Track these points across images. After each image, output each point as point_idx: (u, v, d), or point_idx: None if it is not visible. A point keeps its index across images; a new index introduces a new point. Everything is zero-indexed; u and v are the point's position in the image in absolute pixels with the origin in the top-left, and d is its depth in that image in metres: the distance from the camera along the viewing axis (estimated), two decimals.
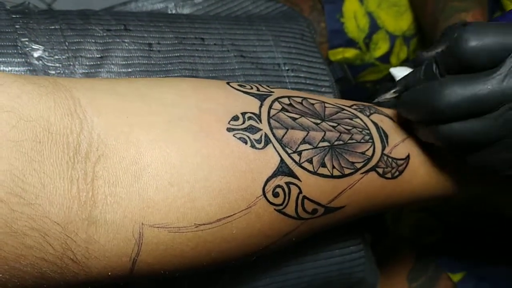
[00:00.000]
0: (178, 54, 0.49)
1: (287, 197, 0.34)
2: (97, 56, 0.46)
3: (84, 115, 0.30)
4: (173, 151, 0.31)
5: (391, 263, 0.69)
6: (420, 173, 0.41)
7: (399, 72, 0.56)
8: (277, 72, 0.52)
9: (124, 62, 0.47)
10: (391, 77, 0.58)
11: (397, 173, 0.40)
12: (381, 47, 0.83)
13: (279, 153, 0.34)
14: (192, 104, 0.34)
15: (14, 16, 0.44)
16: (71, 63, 0.45)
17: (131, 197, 0.29)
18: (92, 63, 0.45)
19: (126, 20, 0.48)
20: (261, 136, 0.34)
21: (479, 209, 0.66)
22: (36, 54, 0.43)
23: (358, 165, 0.38)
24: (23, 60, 0.42)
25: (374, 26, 0.82)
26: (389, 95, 0.42)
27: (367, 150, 0.38)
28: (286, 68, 0.52)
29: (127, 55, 0.47)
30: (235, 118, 0.34)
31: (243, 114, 0.35)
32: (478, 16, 0.63)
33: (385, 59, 0.84)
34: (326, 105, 0.40)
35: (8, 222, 0.26)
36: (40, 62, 0.43)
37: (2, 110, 0.27)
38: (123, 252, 0.30)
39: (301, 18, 0.57)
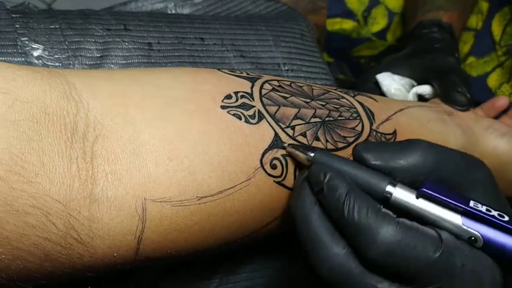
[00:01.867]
0: (178, 54, 0.49)
1: (285, 169, 0.35)
2: (97, 55, 0.46)
3: (80, 98, 0.30)
4: (170, 128, 0.32)
5: None
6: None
7: (385, 80, 0.57)
8: (276, 72, 0.52)
9: (124, 62, 0.47)
10: (376, 83, 0.59)
11: None
12: (379, 22, 0.83)
13: (273, 128, 0.35)
14: (186, 87, 0.35)
15: (14, 15, 0.43)
16: (71, 62, 0.44)
17: (132, 174, 0.29)
18: (92, 62, 0.45)
19: (126, 20, 0.48)
20: (254, 112, 0.35)
21: None
22: (36, 54, 0.43)
23: (350, 140, 0.38)
24: (23, 59, 0.42)
25: (375, 0, 0.82)
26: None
27: (356, 126, 0.40)
28: (286, 68, 0.53)
29: (127, 54, 0.47)
30: (228, 96, 0.35)
31: (236, 93, 0.36)
32: (453, 18, 0.65)
33: (382, 35, 0.83)
34: (314, 87, 0.41)
35: (8, 200, 0.26)
36: (40, 61, 0.43)
37: None
38: (127, 230, 0.30)
39: (301, 18, 0.57)
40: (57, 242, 0.28)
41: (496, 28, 0.73)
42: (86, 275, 0.31)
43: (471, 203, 0.31)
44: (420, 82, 0.58)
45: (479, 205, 0.31)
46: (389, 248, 0.29)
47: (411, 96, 0.56)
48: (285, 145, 0.35)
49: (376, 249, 0.29)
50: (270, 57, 0.52)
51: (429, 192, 0.31)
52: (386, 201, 0.32)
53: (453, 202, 0.30)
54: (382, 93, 0.57)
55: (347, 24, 0.83)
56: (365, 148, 0.34)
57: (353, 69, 0.86)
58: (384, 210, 0.30)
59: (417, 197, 0.31)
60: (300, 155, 0.34)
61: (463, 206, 0.30)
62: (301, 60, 0.54)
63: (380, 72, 0.58)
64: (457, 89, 0.52)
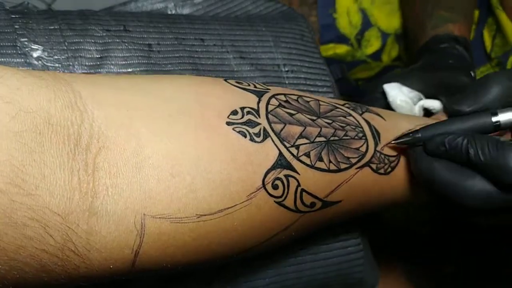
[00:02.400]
0: (177, 55, 0.49)
1: (286, 190, 0.35)
2: (97, 56, 0.45)
3: (85, 107, 0.30)
4: (174, 144, 0.31)
5: (385, 251, 0.70)
6: (410, 171, 0.43)
7: (392, 90, 0.56)
8: (276, 73, 0.52)
9: (123, 62, 0.46)
10: (383, 93, 0.58)
11: (389, 169, 0.42)
12: (373, 44, 0.83)
13: (277, 147, 0.35)
14: (191, 98, 0.34)
15: (13, 16, 0.43)
16: (71, 63, 0.44)
17: (133, 188, 0.29)
18: (91, 63, 0.45)
19: (126, 21, 0.48)
20: (260, 130, 0.35)
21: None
22: (35, 54, 0.43)
23: (353, 160, 0.39)
24: (23, 60, 0.42)
25: (367, 23, 0.82)
26: (406, 138, 0.42)
27: (361, 146, 0.40)
28: (286, 69, 0.53)
29: (126, 55, 0.47)
30: (234, 112, 0.35)
31: (242, 109, 0.35)
32: (463, 28, 0.65)
33: (377, 56, 0.84)
34: (321, 103, 0.41)
35: (7, 212, 0.25)
36: (40, 62, 0.43)
37: (2, 101, 0.27)
38: (125, 244, 0.29)
39: (301, 19, 0.57)
40: (54, 254, 0.28)
41: (487, 39, 0.73)
42: (81, 285, 0.31)
43: None
44: (429, 97, 0.57)
45: None
46: None
47: (417, 109, 0.56)
48: (393, 142, 0.41)
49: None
50: (270, 58, 0.52)
51: None
52: (499, 128, 0.39)
53: None
54: (387, 103, 0.57)
55: (341, 49, 0.83)
56: (454, 102, 0.40)
57: (351, 92, 0.85)
58: (502, 139, 0.36)
59: None
60: (411, 140, 0.40)
61: None
62: (301, 61, 0.54)
63: (388, 81, 0.58)
64: None
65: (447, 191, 0.38)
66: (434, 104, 0.55)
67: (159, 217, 0.30)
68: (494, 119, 0.38)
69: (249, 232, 0.34)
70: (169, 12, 0.55)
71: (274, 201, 0.34)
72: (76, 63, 0.44)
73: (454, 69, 0.57)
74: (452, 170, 0.38)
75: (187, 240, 0.32)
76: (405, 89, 0.56)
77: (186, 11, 0.56)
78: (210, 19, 0.52)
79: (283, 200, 0.35)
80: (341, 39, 0.83)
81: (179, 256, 0.32)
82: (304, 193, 0.36)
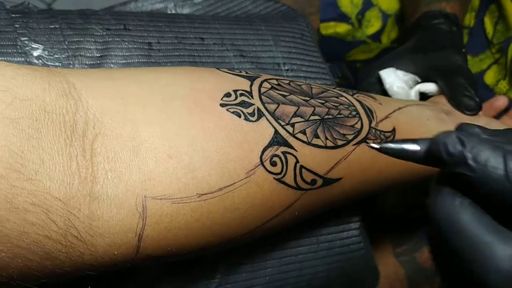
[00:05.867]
0: (177, 54, 0.49)
1: (284, 166, 0.35)
2: (97, 55, 0.45)
3: (79, 96, 0.30)
4: (169, 126, 0.32)
5: (377, 234, 0.70)
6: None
7: (388, 77, 0.56)
8: (276, 71, 0.52)
9: (123, 61, 0.47)
10: (378, 78, 0.58)
11: None
12: (373, 25, 0.83)
13: (272, 125, 0.35)
14: (184, 84, 0.35)
15: (14, 15, 0.43)
16: (71, 62, 0.44)
17: (132, 171, 0.29)
18: (91, 62, 0.45)
19: (126, 20, 0.48)
20: (254, 110, 0.35)
21: None
22: (35, 53, 0.43)
23: (349, 137, 0.39)
24: (23, 59, 0.42)
25: (368, 3, 0.81)
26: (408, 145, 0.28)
27: (355, 123, 0.40)
28: (286, 68, 0.53)
29: (127, 54, 0.47)
30: (228, 94, 0.35)
31: (235, 91, 0.36)
32: (456, 8, 0.64)
33: (377, 37, 0.83)
34: (312, 86, 0.41)
35: (8, 197, 0.26)
36: (40, 61, 0.43)
37: None
38: (128, 227, 0.30)
39: (300, 18, 0.57)
40: (57, 240, 0.28)
41: (488, 26, 0.73)
42: (86, 274, 0.31)
43: None
44: (424, 79, 0.57)
45: None
46: None
47: (413, 94, 0.56)
48: (373, 144, 0.28)
49: None
50: (270, 57, 0.52)
51: None
52: None
53: None
54: (384, 89, 0.57)
55: (341, 28, 0.83)
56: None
57: (348, 72, 0.85)
58: None
59: None
60: (410, 148, 0.27)
61: None
62: (301, 60, 0.54)
63: (383, 67, 0.58)
64: (465, 93, 0.52)
65: (467, 257, 0.24)
66: (430, 87, 0.55)
67: (160, 198, 0.30)
68: None
69: (251, 211, 0.34)
70: (169, 12, 0.55)
71: (274, 178, 0.35)
72: (77, 62, 0.45)
73: (446, 48, 0.57)
74: (483, 224, 0.24)
75: (190, 221, 0.32)
76: (400, 73, 0.57)
77: (186, 11, 0.56)
78: (210, 19, 0.52)
79: (282, 177, 0.35)
80: (342, 17, 0.82)
81: (182, 238, 0.32)
82: (303, 170, 0.36)
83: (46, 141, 0.27)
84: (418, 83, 0.58)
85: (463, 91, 0.52)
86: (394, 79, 0.55)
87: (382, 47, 0.84)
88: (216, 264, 0.46)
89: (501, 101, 0.60)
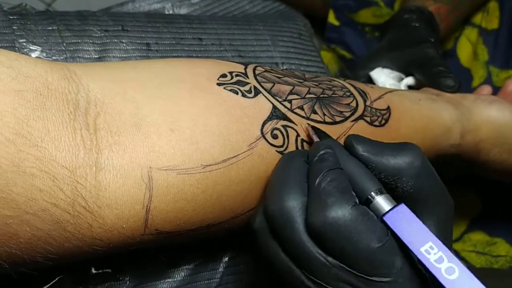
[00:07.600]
0: (176, 54, 0.49)
1: (286, 139, 0.36)
2: (95, 56, 0.46)
3: (80, 80, 0.31)
4: (169, 104, 0.33)
5: None
6: (404, 122, 0.44)
7: (379, 78, 0.58)
8: None
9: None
10: (370, 79, 0.59)
11: (383, 121, 0.42)
12: None
13: (270, 101, 0.36)
14: (182, 69, 0.36)
15: (11, 17, 0.43)
16: None
17: (136, 144, 0.30)
18: (90, 63, 0.45)
19: (124, 21, 0.48)
20: (250, 88, 0.36)
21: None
22: (34, 55, 0.43)
23: (347, 114, 0.39)
24: None
25: None
26: None
27: (351, 102, 0.41)
28: (284, 67, 0.53)
29: (125, 55, 0.47)
30: (223, 75, 0.36)
31: (230, 73, 0.37)
32: (441, 10, 0.66)
33: (390, 2, 0.82)
34: (305, 73, 0.42)
35: (15, 161, 0.26)
36: None
37: (2, 65, 0.28)
38: (135, 199, 0.30)
39: (298, 18, 0.57)
40: (65, 209, 0.28)
41: None
42: (95, 251, 0.31)
43: (427, 245, 0.29)
44: (407, 74, 0.59)
45: (435, 249, 0.29)
46: (335, 221, 0.29)
47: (403, 87, 0.58)
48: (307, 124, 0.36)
49: (323, 217, 0.29)
50: (268, 57, 0.52)
51: (389, 222, 0.30)
52: (368, 202, 0.32)
53: (408, 240, 0.30)
54: None
55: None
56: (357, 139, 0.34)
57: (357, 38, 0.85)
58: (351, 191, 0.31)
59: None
60: (314, 137, 0.35)
61: (414, 251, 0.29)
62: (299, 59, 0.54)
63: (367, 67, 0.60)
64: (441, 75, 0.54)
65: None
66: (411, 81, 0.58)
67: (165, 169, 0.31)
68: (373, 193, 0.32)
69: (255, 183, 0.35)
70: (167, 12, 0.55)
71: (276, 150, 0.35)
72: (75, 63, 0.45)
73: (418, 43, 0.59)
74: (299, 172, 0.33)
75: (196, 192, 0.32)
76: (387, 71, 0.60)
77: (183, 11, 0.56)
78: (207, 19, 0.52)
79: (284, 150, 0.35)
80: None
81: (190, 210, 0.32)
82: (305, 144, 0.37)
83: (51, 114, 0.28)
84: (402, 79, 0.60)
85: (439, 74, 0.54)
86: (385, 78, 0.58)
87: (393, 15, 0.83)
88: (223, 248, 0.46)
89: (485, 91, 0.61)
